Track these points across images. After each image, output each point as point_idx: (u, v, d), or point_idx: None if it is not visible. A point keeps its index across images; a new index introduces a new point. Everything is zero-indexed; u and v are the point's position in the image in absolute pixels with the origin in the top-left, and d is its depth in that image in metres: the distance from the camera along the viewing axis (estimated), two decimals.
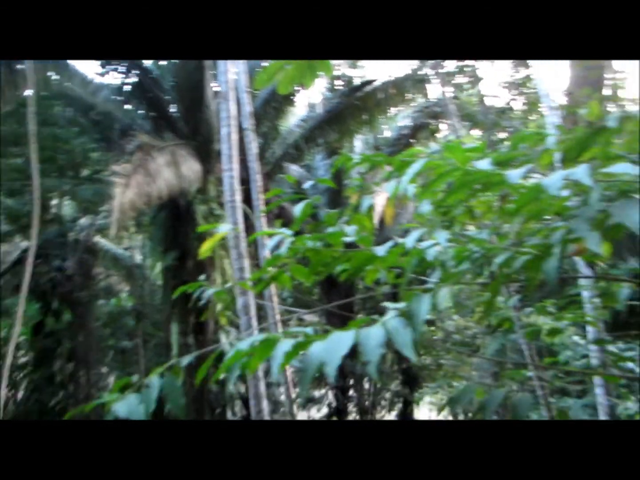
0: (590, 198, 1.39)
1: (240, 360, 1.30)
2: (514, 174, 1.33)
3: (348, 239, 1.73)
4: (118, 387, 1.37)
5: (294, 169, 12.77)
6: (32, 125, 6.96)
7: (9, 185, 9.22)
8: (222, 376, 1.39)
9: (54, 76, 8.51)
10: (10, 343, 6.57)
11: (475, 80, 7.59)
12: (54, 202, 10.60)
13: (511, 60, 7.14)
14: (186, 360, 1.52)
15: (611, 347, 4.11)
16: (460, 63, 7.53)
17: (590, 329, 3.63)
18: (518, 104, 7.36)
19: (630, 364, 3.83)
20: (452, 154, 1.52)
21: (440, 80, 4.31)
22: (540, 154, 1.74)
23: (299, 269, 1.88)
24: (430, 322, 11.90)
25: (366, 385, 13.83)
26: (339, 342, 1.12)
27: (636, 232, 1.23)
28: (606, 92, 5.84)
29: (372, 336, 1.15)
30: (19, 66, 7.63)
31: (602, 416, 3.44)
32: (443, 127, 10.39)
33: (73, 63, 9.03)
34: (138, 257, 11.64)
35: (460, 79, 7.86)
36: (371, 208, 2.09)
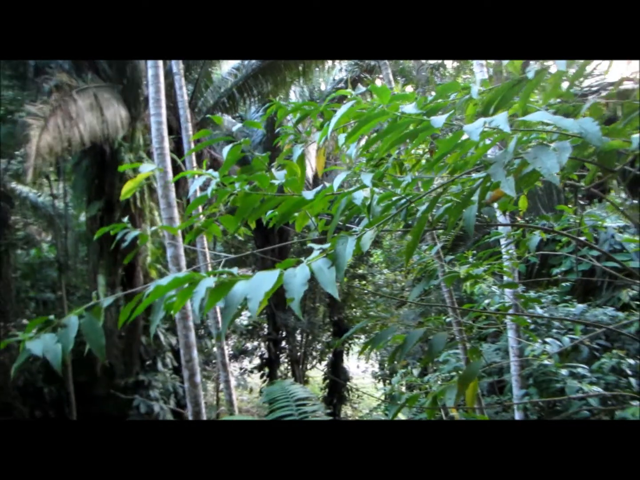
0: (508, 145, 1.46)
1: (162, 299, 1.28)
2: (437, 120, 1.36)
3: (276, 182, 1.72)
4: (33, 326, 1.32)
5: (227, 120, 12.41)
6: None
7: None
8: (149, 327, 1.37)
9: None
10: None
11: None
12: None
13: None
14: (108, 300, 1.48)
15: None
16: None
17: (506, 278, 3.88)
18: (450, 61, 7.48)
19: (538, 309, 4.17)
20: (380, 98, 1.53)
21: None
22: (465, 103, 1.78)
23: (227, 217, 1.86)
24: (361, 277, 12.28)
25: (298, 337, 14.15)
26: (263, 279, 1.14)
27: (549, 178, 1.31)
28: None
29: (297, 275, 1.17)
30: None
31: (512, 357, 3.74)
32: (377, 81, 10.40)
33: None
34: (60, 206, 11.03)
35: None
36: (302, 156, 2.08)
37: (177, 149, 9.37)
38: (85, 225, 9.83)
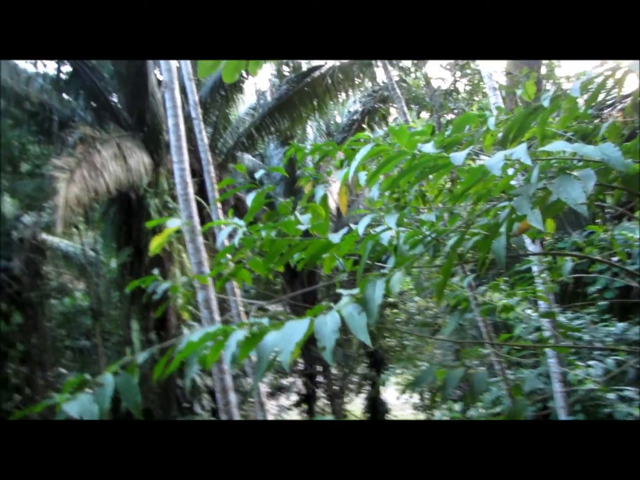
0: (531, 176, 1.44)
1: (196, 353, 1.29)
2: (457, 156, 1.37)
3: (303, 227, 1.73)
4: (69, 387, 1.33)
5: (248, 158, 12.64)
6: None
7: None
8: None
9: None
10: None
11: (420, 63, 7.69)
12: None
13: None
14: (142, 356, 1.49)
15: (561, 318, 4.31)
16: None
17: (541, 302, 3.79)
18: (463, 85, 7.51)
19: (577, 333, 4.04)
20: (398, 138, 1.54)
21: (383, 65, 4.34)
22: (482, 135, 1.78)
23: (256, 262, 1.88)
24: (393, 305, 12.14)
25: (334, 371, 13.99)
26: (294, 329, 1.13)
27: (576, 208, 1.28)
28: (543, 70, 6.02)
29: (327, 323, 1.17)
30: None
31: (555, 384, 3.61)
32: (392, 110, 10.50)
33: None
34: (91, 254, 11.29)
35: (405, 63, 7.94)
36: (325, 197, 2.10)
37: (201, 190, 9.54)
38: (117, 271, 10.02)
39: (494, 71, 6.97)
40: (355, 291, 1.31)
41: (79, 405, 1.22)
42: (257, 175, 2.01)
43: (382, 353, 12.76)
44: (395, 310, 12.19)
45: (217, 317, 4.56)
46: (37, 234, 10.13)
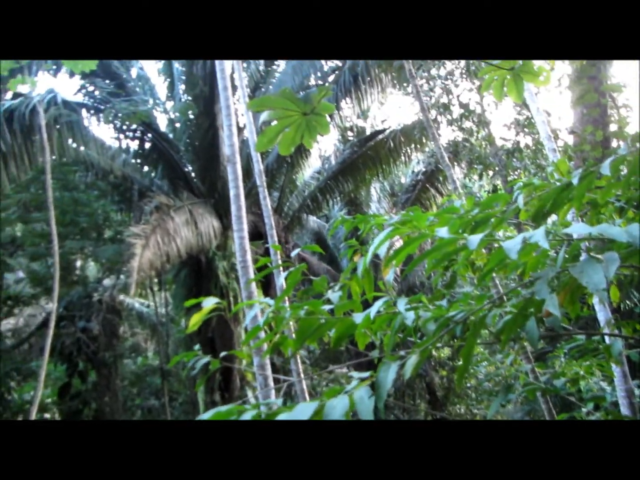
0: (558, 259, 1.41)
1: None
2: (473, 240, 1.36)
3: (327, 308, 1.76)
4: None
5: (313, 220, 12.94)
6: (50, 191, 7.30)
7: (33, 249, 9.58)
8: None
9: (72, 143, 8.95)
10: (34, 405, 6.65)
11: (483, 123, 7.69)
12: (78, 263, 10.92)
13: (514, 103, 7.24)
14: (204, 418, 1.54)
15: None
16: (465, 109, 7.66)
17: (617, 370, 3.50)
18: (526, 143, 7.40)
19: None
20: (417, 221, 1.56)
21: (434, 132, 4.40)
22: (512, 212, 1.76)
23: (285, 340, 1.92)
24: None
25: None
26: (303, 412, 1.16)
27: (597, 294, 1.23)
28: (611, 128, 5.84)
29: (336, 407, 1.18)
30: (34, 136, 8.07)
31: None
32: (455, 170, 10.46)
33: (90, 129, 9.48)
34: (163, 315, 11.80)
35: (468, 123, 7.98)
36: (368, 270, 2.12)
37: (267, 251, 9.85)
38: (185, 332, 10.35)
39: (558, 130, 6.87)
40: (366, 375, 1.32)
41: None
42: (293, 254, 2.08)
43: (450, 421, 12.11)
44: (465, 376, 11.63)
45: (271, 382, 4.58)
46: (115, 296, 10.76)
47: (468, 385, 11.52)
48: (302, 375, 5.41)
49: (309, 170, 12.82)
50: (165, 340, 11.23)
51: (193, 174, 10.69)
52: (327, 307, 1.82)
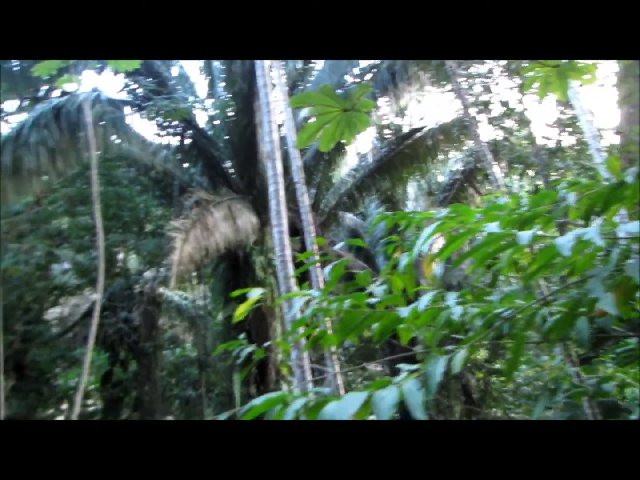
0: (611, 257, 1.40)
1: (271, 416, 1.36)
2: (524, 236, 1.36)
3: (372, 301, 1.78)
4: None
5: (349, 218, 12.94)
6: (95, 186, 7.55)
7: (78, 242, 9.94)
8: None
9: (116, 140, 9.23)
10: (79, 392, 6.90)
11: (524, 122, 7.53)
12: (120, 256, 11.27)
13: (556, 100, 7.06)
14: (224, 415, 1.60)
15: None
16: (507, 107, 7.53)
17: None
18: (569, 143, 7.22)
19: None
20: (464, 216, 1.56)
21: (475, 130, 4.34)
22: (562, 210, 1.74)
23: (325, 333, 1.95)
24: (499, 372, 11.42)
25: None
26: (352, 402, 1.17)
27: None
28: None
29: (385, 397, 1.19)
30: (80, 132, 8.35)
31: None
32: (496, 169, 10.28)
33: (132, 126, 9.75)
34: (201, 308, 12.05)
35: (508, 122, 7.84)
36: (410, 266, 2.13)
37: (303, 248, 9.92)
38: (222, 324, 10.55)
39: (603, 129, 6.67)
40: (415, 367, 1.33)
41: None
42: (335, 247, 2.10)
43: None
44: (502, 378, 11.43)
45: (308, 376, 4.63)
46: (155, 288, 11.05)
47: (505, 388, 11.31)
48: (337, 369, 5.44)
49: (346, 167, 12.83)
50: (203, 333, 11.47)
51: (232, 170, 10.85)
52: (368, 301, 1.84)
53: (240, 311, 1.97)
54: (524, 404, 9.35)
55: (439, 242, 1.98)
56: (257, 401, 1.34)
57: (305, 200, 7.32)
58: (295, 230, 10.36)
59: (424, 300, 1.49)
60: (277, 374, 9.75)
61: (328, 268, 2.01)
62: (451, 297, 1.45)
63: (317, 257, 7.17)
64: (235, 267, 10.26)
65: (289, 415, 1.25)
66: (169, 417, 11.99)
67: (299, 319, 1.79)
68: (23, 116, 9.99)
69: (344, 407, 1.16)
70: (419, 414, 1.15)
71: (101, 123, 8.87)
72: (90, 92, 8.90)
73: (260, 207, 10.35)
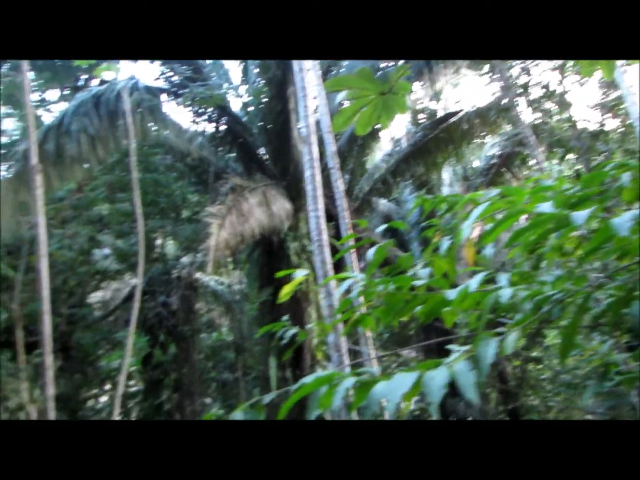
0: None
1: (317, 396, 1.38)
2: (578, 215, 1.33)
3: (418, 283, 1.77)
4: (207, 419, 1.51)
5: (383, 203, 12.86)
6: (134, 173, 7.71)
7: (118, 228, 10.20)
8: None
9: (153, 127, 9.37)
10: (121, 373, 7.14)
11: (564, 105, 7.31)
12: (158, 242, 11.52)
13: (599, 82, 6.82)
14: (268, 397, 1.63)
15: None
16: (547, 89, 7.32)
17: None
18: (612, 126, 6.97)
19: None
20: (515, 197, 1.54)
21: (517, 109, 4.22)
22: (616, 190, 1.70)
23: (379, 312, 1.95)
24: (536, 360, 11.24)
25: None
26: (402, 382, 1.17)
27: None
28: None
29: (436, 378, 1.19)
30: (118, 120, 8.51)
31: None
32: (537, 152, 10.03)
33: (168, 113, 9.89)
34: (236, 292, 12.25)
35: (548, 105, 7.62)
36: (451, 249, 2.11)
37: (337, 234, 9.94)
38: (258, 309, 10.69)
39: None
40: (466, 348, 1.32)
41: None
42: (378, 230, 2.10)
43: (523, 412, 11.77)
44: (539, 366, 11.24)
45: (346, 360, 4.67)
46: (192, 273, 11.26)
47: (543, 377, 11.12)
48: (372, 355, 5.46)
49: (380, 153, 12.73)
50: (239, 317, 11.66)
51: (266, 157, 10.91)
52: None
53: (285, 292, 1.99)
54: (563, 392, 9.18)
55: (477, 227, 1.96)
56: (307, 379, 1.36)
57: (339, 185, 7.31)
58: (329, 216, 10.36)
59: (475, 282, 1.48)
60: (312, 359, 9.84)
61: (371, 251, 2.01)
62: (503, 278, 1.43)
63: (352, 243, 7.16)
64: (269, 253, 10.35)
65: (339, 393, 1.27)
66: (207, 399, 12.27)
67: (344, 300, 1.80)
68: (64, 105, 10.26)
69: (395, 387, 1.17)
70: (472, 395, 1.15)
71: (139, 111, 9.03)
72: (128, 80, 9.06)
73: (295, 193, 10.38)
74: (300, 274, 1.96)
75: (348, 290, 1.98)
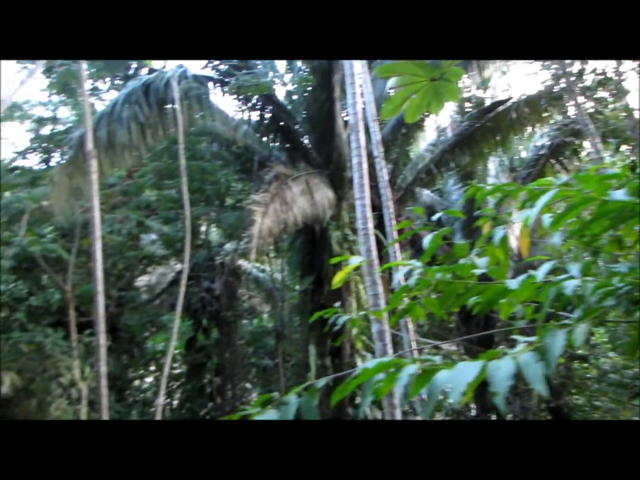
0: None
1: (371, 383, 1.38)
2: None
3: (478, 272, 1.74)
4: (260, 402, 1.54)
5: (426, 194, 12.69)
6: (182, 160, 7.86)
7: (165, 214, 10.46)
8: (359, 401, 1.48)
9: (200, 115, 9.51)
10: (167, 355, 7.35)
11: (620, 93, 6.99)
12: (203, 228, 11.76)
13: None
14: (322, 382, 1.64)
15: None
16: (601, 76, 7.02)
17: None
18: None
19: None
20: (585, 184, 1.49)
21: (572, 97, 4.06)
22: None
23: (430, 302, 1.93)
24: (582, 358, 10.94)
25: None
26: (466, 370, 1.15)
27: None
28: None
29: (502, 368, 1.17)
30: (168, 107, 8.67)
31: None
32: (586, 144, 9.66)
33: (215, 102, 10.01)
34: (278, 280, 12.39)
35: (602, 93, 7.31)
36: (504, 239, 2.07)
37: (380, 224, 9.88)
38: (298, 297, 10.79)
39: None
40: (532, 339, 1.29)
41: (268, 420, 1.41)
42: (435, 217, 2.08)
43: (567, 411, 11.48)
44: (585, 365, 10.92)
45: (390, 350, 4.66)
46: (235, 260, 11.46)
47: (588, 376, 10.81)
48: (414, 345, 5.43)
49: (424, 142, 12.54)
50: (280, 305, 11.80)
51: (309, 145, 10.92)
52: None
53: (338, 278, 2.00)
54: (612, 392, 8.90)
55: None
56: (370, 364, 1.36)
57: (384, 174, 7.26)
58: (372, 206, 10.28)
59: (543, 271, 1.44)
60: (352, 348, 9.86)
61: (426, 239, 1.99)
62: (575, 268, 1.39)
63: (394, 232, 7.10)
64: (312, 242, 10.40)
65: (402, 380, 1.26)
66: (247, 384, 12.51)
67: (401, 288, 1.80)
68: (115, 93, 10.54)
69: (459, 376, 1.15)
70: (540, 387, 1.12)
71: (186, 99, 9.18)
72: (177, 68, 9.22)
73: (337, 181, 10.37)
74: (354, 261, 1.96)
75: (388, 279, 1.97)
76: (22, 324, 8.15)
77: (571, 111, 9.63)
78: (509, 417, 12.25)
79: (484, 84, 12.02)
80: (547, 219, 1.80)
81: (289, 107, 11.11)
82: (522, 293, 1.69)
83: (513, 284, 1.61)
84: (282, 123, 10.56)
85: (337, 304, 2.39)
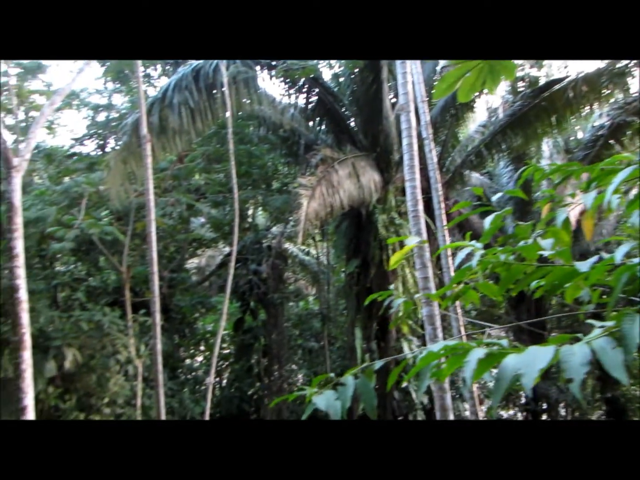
0: None
1: (430, 367, 1.37)
2: None
3: (545, 253, 1.69)
4: (316, 382, 1.54)
5: (475, 177, 12.39)
6: (231, 145, 7.94)
7: (214, 198, 10.65)
8: (405, 384, 1.48)
9: (247, 99, 9.57)
10: (217, 336, 7.53)
11: None
12: (250, 212, 11.91)
13: None
14: (379, 364, 1.64)
15: None
16: None
17: None
18: None
19: None
20: None
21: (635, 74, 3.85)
22: None
23: (488, 286, 1.88)
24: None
25: (562, 412, 12.64)
26: (538, 355, 1.12)
27: None
28: None
29: (576, 354, 1.13)
30: (216, 92, 8.75)
31: None
32: None
33: (263, 86, 10.05)
34: (323, 263, 12.45)
35: None
36: (567, 221, 1.99)
37: (427, 207, 9.72)
38: (344, 280, 10.80)
39: None
40: (609, 324, 1.24)
41: (325, 400, 1.42)
42: (495, 198, 2.02)
43: (623, 402, 11.07)
44: None
45: (440, 333, 4.60)
46: (282, 243, 11.58)
47: None
48: (463, 330, 5.35)
49: (474, 124, 12.20)
50: (326, 288, 11.88)
51: (356, 128, 10.83)
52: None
53: (395, 259, 1.98)
54: None
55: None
56: (434, 347, 1.34)
57: (433, 156, 7.12)
58: (421, 189, 10.11)
59: (621, 252, 1.38)
60: (397, 332, 9.82)
61: (488, 218, 1.93)
62: None
63: (443, 215, 6.98)
64: (358, 225, 10.36)
65: (470, 364, 1.23)
66: (293, 366, 12.70)
67: (461, 269, 1.76)
68: (166, 80, 10.74)
69: (530, 361, 1.11)
70: (619, 374, 1.07)
71: (234, 84, 9.25)
72: None
73: (384, 164, 10.25)
74: (411, 241, 1.93)
75: (435, 263, 1.93)
76: (82, 303, 8.55)
77: (634, 88, 9.14)
78: (561, 406, 11.93)
79: (538, 62, 11.53)
80: (615, 199, 1.71)
81: (336, 89, 11.02)
82: (593, 276, 1.62)
83: (584, 266, 1.54)
84: (328, 106, 10.50)
85: (392, 287, 2.37)
